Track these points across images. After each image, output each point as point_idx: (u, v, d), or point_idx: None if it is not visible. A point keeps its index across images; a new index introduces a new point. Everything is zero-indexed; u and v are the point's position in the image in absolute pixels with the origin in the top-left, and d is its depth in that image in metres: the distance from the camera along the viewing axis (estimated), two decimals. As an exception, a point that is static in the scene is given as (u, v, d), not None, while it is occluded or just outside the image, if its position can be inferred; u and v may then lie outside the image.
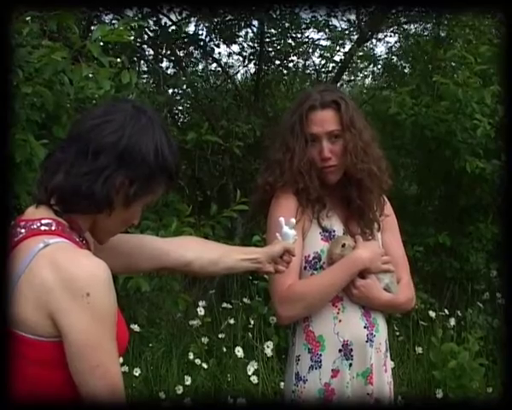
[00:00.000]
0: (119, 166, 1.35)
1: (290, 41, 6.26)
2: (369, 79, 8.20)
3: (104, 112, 1.40)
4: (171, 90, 5.96)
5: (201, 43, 6.24)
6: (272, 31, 6.14)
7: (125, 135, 1.35)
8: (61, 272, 1.26)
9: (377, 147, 2.11)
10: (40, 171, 1.43)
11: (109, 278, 1.29)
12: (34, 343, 1.27)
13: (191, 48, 6.42)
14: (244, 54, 6.55)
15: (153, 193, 1.42)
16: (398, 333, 4.31)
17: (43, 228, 1.33)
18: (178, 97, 6.29)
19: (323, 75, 6.99)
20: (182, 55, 6.35)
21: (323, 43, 6.65)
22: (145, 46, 5.94)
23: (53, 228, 1.34)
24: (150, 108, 1.49)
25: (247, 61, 6.67)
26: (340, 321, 2.00)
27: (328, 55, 6.70)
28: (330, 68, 6.99)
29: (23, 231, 1.34)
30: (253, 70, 6.84)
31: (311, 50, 6.75)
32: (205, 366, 3.77)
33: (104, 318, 1.27)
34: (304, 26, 6.18)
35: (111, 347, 1.29)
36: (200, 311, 4.07)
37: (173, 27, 6.00)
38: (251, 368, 3.71)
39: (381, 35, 6.97)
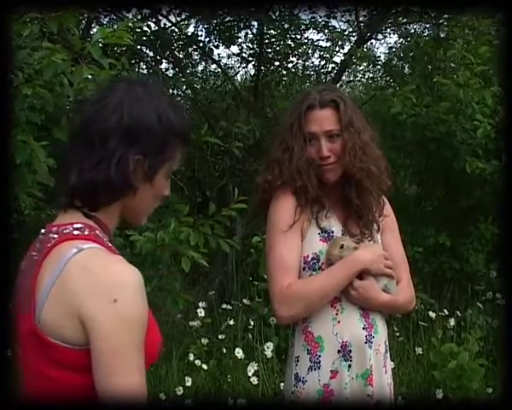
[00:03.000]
0: (127, 145, 1.32)
1: (290, 42, 6.27)
2: (369, 79, 8.20)
3: (99, 98, 1.38)
4: (170, 92, 5.97)
5: (201, 45, 6.25)
6: (272, 32, 6.15)
7: (124, 112, 1.33)
8: (92, 277, 1.25)
9: (376, 147, 2.11)
10: (57, 177, 1.42)
11: (140, 286, 1.26)
12: (62, 349, 1.26)
13: (190, 49, 6.43)
14: (243, 55, 6.56)
15: (171, 159, 1.39)
16: (398, 334, 4.31)
17: (75, 232, 1.32)
18: (178, 98, 6.30)
19: (323, 76, 6.99)
20: (181, 56, 6.36)
21: (323, 44, 6.67)
22: (144, 48, 5.94)
23: (86, 233, 1.32)
24: (145, 78, 1.48)
25: (246, 62, 6.68)
26: (338, 322, 2.00)
27: (328, 55, 6.71)
28: (330, 69, 7.00)
29: (55, 236, 1.33)
30: (252, 71, 6.86)
31: (310, 51, 6.76)
32: (205, 366, 3.77)
33: (130, 326, 1.24)
34: (303, 27, 6.19)
35: (134, 356, 1.24)
36: (200, 312, 4.07)
37: (173, 29, 6.01)
38: (251, 369, 3.71)
39: (380, 36, 6.99)
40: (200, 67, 6.94)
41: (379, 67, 7.17)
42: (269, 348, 3.83)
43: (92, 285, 1.24)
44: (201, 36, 6.23)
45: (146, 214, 1.45)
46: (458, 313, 4.43)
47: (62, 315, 1.25)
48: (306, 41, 6.52)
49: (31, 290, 1.30)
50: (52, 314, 1.26)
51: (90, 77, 2.76)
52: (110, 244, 1.36)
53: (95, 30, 5.20)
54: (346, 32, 6.64)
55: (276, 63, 6.65)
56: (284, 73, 6.90)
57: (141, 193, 1.37)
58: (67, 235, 1.31)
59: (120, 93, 1.35)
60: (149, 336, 1.29)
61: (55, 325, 1.26)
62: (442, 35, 6.06)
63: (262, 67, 6.44)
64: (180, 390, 3.64)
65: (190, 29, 6.42)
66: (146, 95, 1.35)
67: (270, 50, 6.41)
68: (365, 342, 2.01)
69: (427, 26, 6.55)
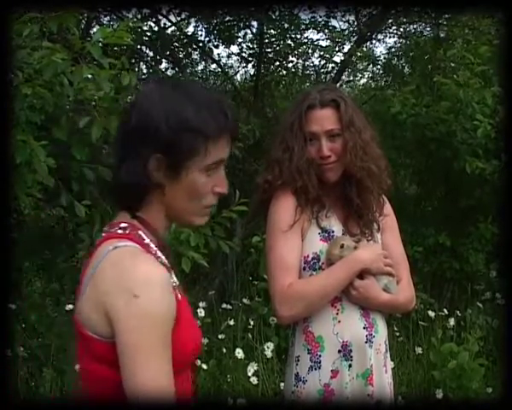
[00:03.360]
0: (140, 145, 1.34)
1: (289, 42, 6.27)
2: (369, 79, 8.21)
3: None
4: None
5: (200, 44, 6.25)
6: (271, 31, 6.15)
7: (133, 113, 1.35)
8: (119, 272, 1.29)
9: (377, 146, 2.11)
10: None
11: (165, 285, 1.29)
12: (96, 342, 1.30)
13: (190, 49, 6.43)
14: (243, 55, 6.56)
15: (194, 156, 1.35)
16: (397, 333, 4.31)
17: (119, 231, 1.37)
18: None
19: (323, 76, 6.99)
20: (181, 56, 6.35)
21: (323, 43, 6.67)
22: (144, 47, 5.94)
23: (127, 232, 1.36)
24: (160, 77, 1.55)
25: (246, 62, 6.68)
26: (339, 322, 2.00)
27: (328, 55, 6.71)
28: (330, 69, 7.00)
29: (104, 235, 1.39)
30: (252, 71, 6.85)
31: (310, 51, 6.76)
32: (205, 366, 3.77)
33: (152, 322, 1.26)
34: (303, 26, 6.19)
35: (157, 352, 1.26)
36: (200, 312, 4.07)
37: (172, 28, 6.01)
38: (251, 369, 3.71)
39: (380, 36, 6.98)
40: (199, 67, 6.95)
41: (379, 66, 7.17)
42: (269, 348, 3.83)
43: (119, 281, 1.27)
44: (201, 36, 6.23)
45: (192, 214, 1.42)
46: (458, 312, 4.43)
47: (94, 309, 1.30)
48: (306, 41, 6.52)
49: (79, 287, 1.37)
50: (87, 308, 1.31)
51: (89, 77, 2.76)
52: (152, 244, 1.38)
53: (95, 29, 5.20)
54: (346, 32, 6.64)
55: (276, 63, 6.65)
56: (284, 72, 6.90)
57: (169, 191, 1.37)
58: (112, 233, 1.37)
59: (137, 95, 1.41)
60: (180, 334, 1.31)
61: (89, 318, 1.31)
62: (442, 35, 6.07)
63: (262, 67, 6.44)
64: (180, 390, 3.63)
65: (190, 29, 6.42)
66: (153, 92, 1.36)
67: (269, 50, 6.41)
68: (366, 342, 2.01)
69: (427, 26, 6.55)
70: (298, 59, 6.82)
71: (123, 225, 1.37)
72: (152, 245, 1.38)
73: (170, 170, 1.35)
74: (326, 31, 6.42)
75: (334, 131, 2.02)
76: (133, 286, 1.26)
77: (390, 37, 6.97)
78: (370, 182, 2.05)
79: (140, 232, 1.37)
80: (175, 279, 1.38)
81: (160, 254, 1.38)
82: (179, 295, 1.35)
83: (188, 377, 1.40)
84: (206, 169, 1.37)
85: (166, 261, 1.38)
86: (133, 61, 5.79)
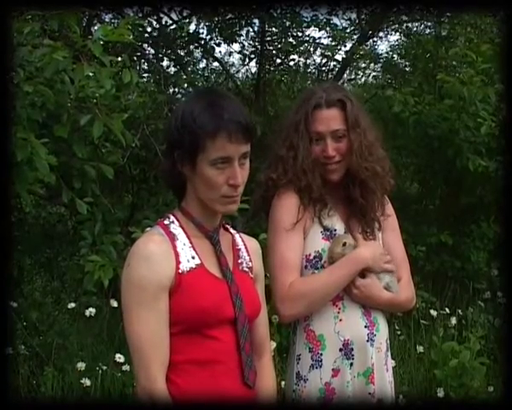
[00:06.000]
0: (167, 145, 1.65)
1: (291, 40, 6.25)
2: (371, 77, 8.19)
3: None
4: (171, 89, 5.96)
5: (202, 42, 6.24)
6: (273, 29, 6.13)
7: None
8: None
9: (380, 147, 2.11)
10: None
11: (149, 253, 1.54)
12: None
13: (192, 47, 6.41)
14: (245, 53, 6.55)
15: (200, 152, 1.54)
16: (399, 332, 4.30)
17: (160, 219, 1.67)
18: (179, 96, 6.29)
19: (324, 74, 6.97)
20: (182, 54, 6.34)
21: (324, 41, 6.64)
22: (146, 45, 5.93)
23: (165, 221, 1.65)
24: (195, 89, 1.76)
25: (247, 60, 6.67)
26: (340, 320, 2.00)
27: (330, 53, 6.69)
28: (331, 67, 6.98)
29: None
30: (253, 69, 6.85)
31: (312, 49, 6.74)
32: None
33: (131, 286, 1.54)
34: (305, 24, 6.16)
35: (135, 310, 1.53)
36: (202, 310, 4.05)
37: (174, 26, 6.00)
38: (252, 367, 3.69)
39: (382, 34, 6.97)
40: (201, 65, 6.93)
41: (380, 65, 7.15)
42: (271, 347, 3.81)
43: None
44: (203, 33, 6.21)
45: (213, 201, 1.60)
46: (459, 311, 4.42)
47: None
48: (308, 39, 6.50)
49: None
50: None
51: (91, 74, 2.76)
52: (178, 230, 1.62)
53: (96, 27, 5.20)
54: (348, 30, 6.62)
55: (278, 61, 6.63)
56: (286, 70, 6.88)
57: (193, 182, 1.60)
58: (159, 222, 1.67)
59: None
60: (178, 300, 1.54)
61: None
62: (444, 33, 6.05)
63: (263, 65, 6.43)
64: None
65: (192, 27, 6.40)
66: (185, 99, 1.66)
67: (271, 48, 6.39)
68: (367, 341, 2.01)
69: (429, 24, 6.54)
70: (299, 57, 6.79)
71: (168, 214, 1.66)
72: (176, 230, 1.61)
73: (188, 164, 1.57)
74: (328, 29, 6.40)
75: (340, 131, 2.02)
76: (128, 258, 1.57)
77: (392, 35, 6.96)
78: (374, 183, 2.05)
79: (171, 219, 1.64)
80: (196, 260, 1.59)
81: (181, 236, 1.61)
82: (185, 269, 1.57)
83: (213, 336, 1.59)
84: (211, 163, 1.55)
85: (190, 244, 1.60)
86: (134, 58, 5.78)
